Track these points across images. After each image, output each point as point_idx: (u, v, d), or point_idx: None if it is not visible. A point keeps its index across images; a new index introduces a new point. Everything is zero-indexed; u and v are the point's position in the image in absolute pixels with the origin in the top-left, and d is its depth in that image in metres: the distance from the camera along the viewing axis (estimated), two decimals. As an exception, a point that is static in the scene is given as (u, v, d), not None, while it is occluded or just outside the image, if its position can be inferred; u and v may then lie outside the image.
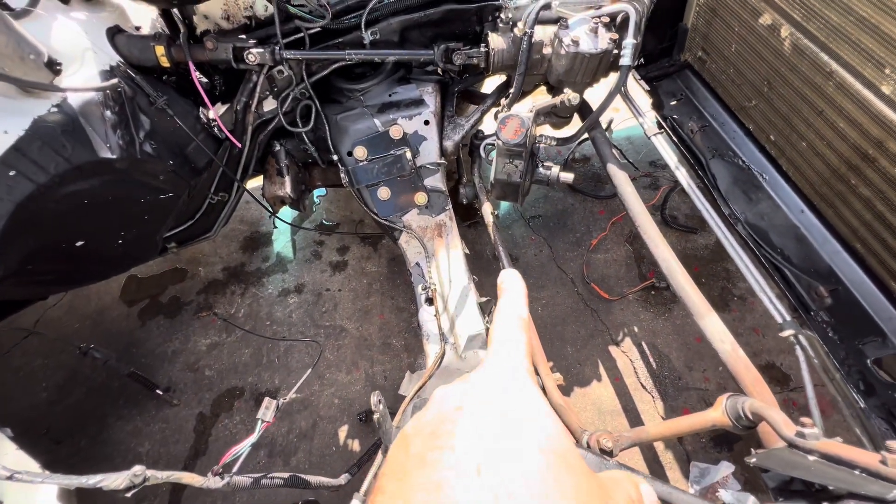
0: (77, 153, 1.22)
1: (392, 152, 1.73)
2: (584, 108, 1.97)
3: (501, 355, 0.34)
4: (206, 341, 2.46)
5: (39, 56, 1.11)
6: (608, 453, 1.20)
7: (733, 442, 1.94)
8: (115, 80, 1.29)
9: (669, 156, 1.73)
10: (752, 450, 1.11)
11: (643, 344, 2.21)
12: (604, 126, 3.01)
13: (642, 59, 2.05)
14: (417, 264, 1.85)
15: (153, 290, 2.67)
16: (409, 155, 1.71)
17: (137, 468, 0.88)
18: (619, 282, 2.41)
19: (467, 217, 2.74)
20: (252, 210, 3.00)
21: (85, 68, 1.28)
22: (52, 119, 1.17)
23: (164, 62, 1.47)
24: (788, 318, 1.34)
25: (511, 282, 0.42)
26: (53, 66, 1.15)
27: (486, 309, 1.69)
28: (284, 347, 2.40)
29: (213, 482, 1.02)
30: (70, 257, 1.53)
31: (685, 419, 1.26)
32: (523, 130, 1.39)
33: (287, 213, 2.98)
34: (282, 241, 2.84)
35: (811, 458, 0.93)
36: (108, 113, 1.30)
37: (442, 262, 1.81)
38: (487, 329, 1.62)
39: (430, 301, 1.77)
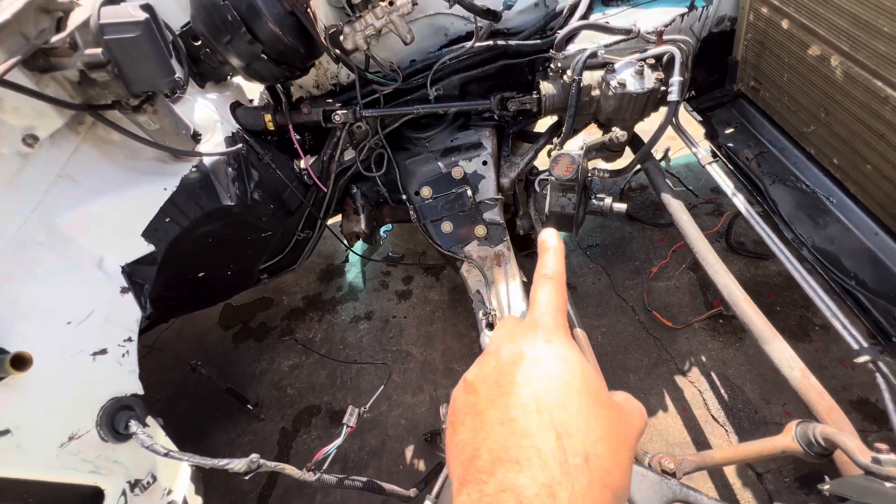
0: (208, 202, 1.54)
1: (454, 190, 1.92)
2: (635, 142, 2.06)
3: (541, 312, 0.42)
4: (288, 363, 2.74)
5: (188, 130, 1.45)
6: (671, 474, 1.22)
7: (822, 481, 1.79)
8: (240, 145, 1.61)
9: (726, 183, 1.76)
10: (826, 478, 1.08)
11: (713, 374, 2.14)
12: (661, 154, 3.03)
13: (693, 92, 2.12)
14: (478, 292, 1.99)
15: (245, 317, 3.05)
16: (469, 192, 1.89)
17: (254, 456, 1.08)
18: (684, 310, 2.37)
19: (524, 247, 2.86)
20: (328, 244, 3.34)
21: (216, 136, 1.63)
22: (193, 177, 1.50)
23: (271, 126, 1.80)
24: (865, 344, 1.29)
25: (550, 240, 0.48)
26: (196, 137, 1.49)
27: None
28: (356, 370, 2.61)
29: (307, 476, 1.19)
30: (192, 285, 1.86)
31: (752, 444, 1.25)
32: (574, 167, 1.52)
33: (358, 246, 3.29)
34: (353, 272, 3.13)
35: (889, 484, 0.91)
36: (229, 170, 1.63)
37: (501, 289, 1.94)
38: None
39: (490, 326, 1.89)
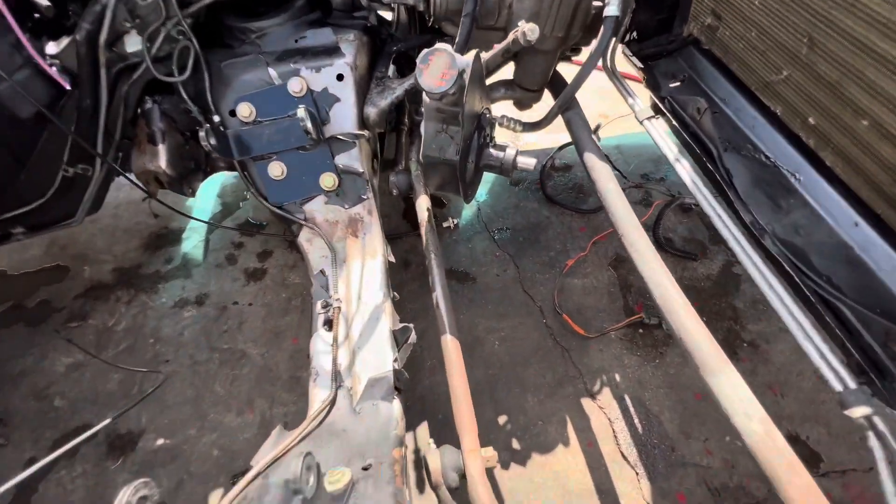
0: None
1: (289, 114, 1.25)
2: (556, 83, 1.53)
3: None
4: (66, 360, 1.90)
5: None
6: None
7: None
8: None
9: (667, 146, 1.28)
10: None
11: (626, 398, 1.69)
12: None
13: (635, 34, 1.64)
14: (322, 272, 1.34)
15: (22, 291, 2.12)
16: (311, 120, 1.23)
17: None
18: (599, 315, 1.92)
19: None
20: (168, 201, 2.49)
21: None
22: None
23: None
24: (852, 382, 0.84)
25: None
26: None
27: (402, 339, 1.17)
28: (166, 375, 1.84)
29: None
30: None
31: None
32: (453, 73, 0.93)
33: (207, 205, 2.48)
34: (193, 240, 2.33)
35: None
36: None
37: (354, 270, 1.31)
38: (396, 370, 1.11)
39: (328, 324, 1.26)
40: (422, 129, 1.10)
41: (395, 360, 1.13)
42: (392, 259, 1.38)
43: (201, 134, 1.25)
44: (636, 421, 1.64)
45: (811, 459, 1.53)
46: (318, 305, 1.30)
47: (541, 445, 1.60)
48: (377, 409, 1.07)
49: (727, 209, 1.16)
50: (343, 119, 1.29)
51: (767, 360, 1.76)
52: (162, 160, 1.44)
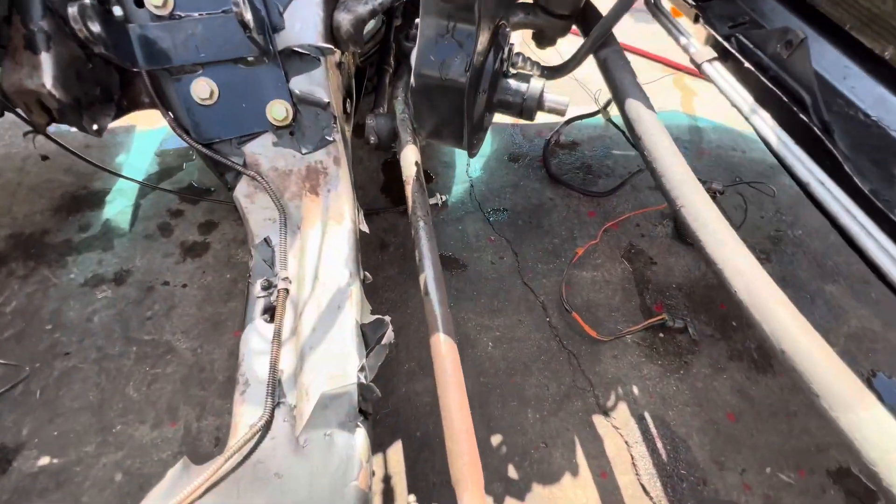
0: None
1: (224, 9, 0.86)
2: (588, 15, 1.20)
3: None
4: (-72, 348, 1.44)
5: None
6: None
7: None
8: None
9: (737, 94, 0.96)
10: None
11: (646, 417, 1.39)
12: (603, 104, 2.30)
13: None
14: (266, 241, 0.97)
15: None
16: (255, 17, 0.85)
17: None
18: (612, 315, 1.61)
19: (398, 196, 1.90)
20: (94, 157, 2.03)
21: None
22: None
23: None
24: None
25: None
26: None
27: (374, 337, 0.82)
28: (60, 371, 1.42)
29: None
30: None
31: None
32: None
33: (142, 163, 2.04)
34: (119, 204, 1.89)
35: None
36: None
37: (310, 239, 0.94)
38: (362, 385, 0.75)
39: (270, 312, 0.89)
40: (417, 32, 0.74)
41: (362, 370, 0.77)
42: (365, 228, 1.02)
43: (71, 11, 0.85)
44: (659, 446, 1.34)
45: (866, 498, 1.27)
46: (258, 286, 0.93)
47: (543, 475, 1.28)
48: (331, 444, 0.71)
49: (830, 172, 0.85)
50: (303, 25, 0.91)
51: (807, 374, 1.49)
52: (45, 76, 1.02)
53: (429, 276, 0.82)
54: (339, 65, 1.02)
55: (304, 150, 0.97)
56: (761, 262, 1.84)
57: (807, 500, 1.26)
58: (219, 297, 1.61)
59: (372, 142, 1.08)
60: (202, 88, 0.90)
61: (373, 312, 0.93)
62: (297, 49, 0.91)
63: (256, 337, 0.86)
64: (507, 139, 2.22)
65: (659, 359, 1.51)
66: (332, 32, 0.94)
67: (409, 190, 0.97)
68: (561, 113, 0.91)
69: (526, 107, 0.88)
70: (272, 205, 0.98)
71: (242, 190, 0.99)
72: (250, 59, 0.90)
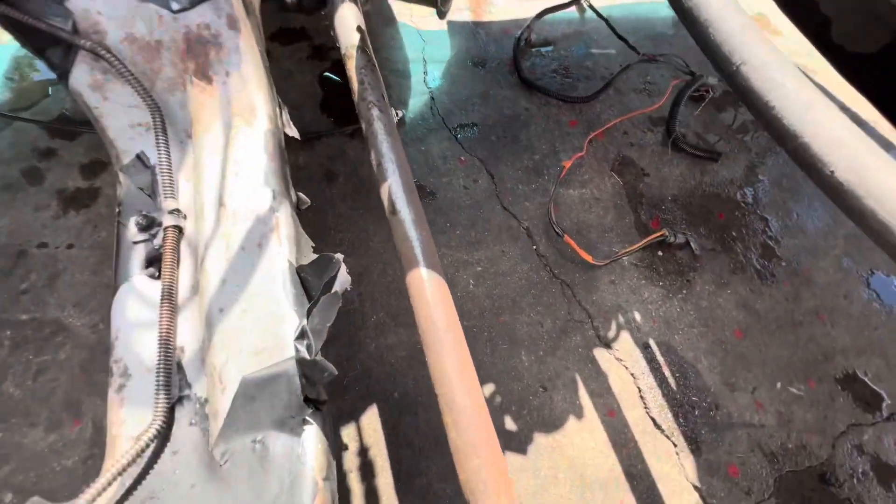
0: None
1: None
2: None
3: None
4: None
5: None
6: None
7: (816, 525, 1.06)
8: None
9: None
10: None
11: (651, 344, 1.24)
12: None
13: None
14: (140, 160, 0.62)
15: None
16: None
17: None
18: (606, 236, 1.41)
19: (350, 119, 1.53)
20: None
21: None
22: None
23: None
24: None
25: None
26: None
27: (319, 281, 0.53)
28: None
29: None
30: None
31: None
32: None
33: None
34: (-40, 146, 1.40)
35: None
36: None
37: (209, 151, 0.60)
38: (305, 359, 0.47)
39: (154, 265, 0.57)
40: None
41: (302, 335, 0.50)
42: (292, 132, 0.70)
43: None
44: (667, 374, 1.20)
45: (872, 401, 1.21)
46: (132, 226, 0.61)
47: (545, 422, 1.11)
48: (265, 456, 0.45)
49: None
50: None
51: (810, 281, 1.39)
52: None
53: (394, 186, 0.54)
54: None
55: (175, 4, 0.60)
56: (756, 161, 1.69)
57: (818, 410, 1.19)
58: (119, 256, 1.24)
59: (289, 0, 0.73)
60: None
61: (317, 251, 0.65)
62: None
63: (136, 301, 0.56)
64: (469, 40, 1.85)
65: (660, 280, 1.34)
66: None
67: (351, 67, 0.65)
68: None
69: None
70: (140, 103, 0.63)
71: (83, 78, 0.63)
72: None
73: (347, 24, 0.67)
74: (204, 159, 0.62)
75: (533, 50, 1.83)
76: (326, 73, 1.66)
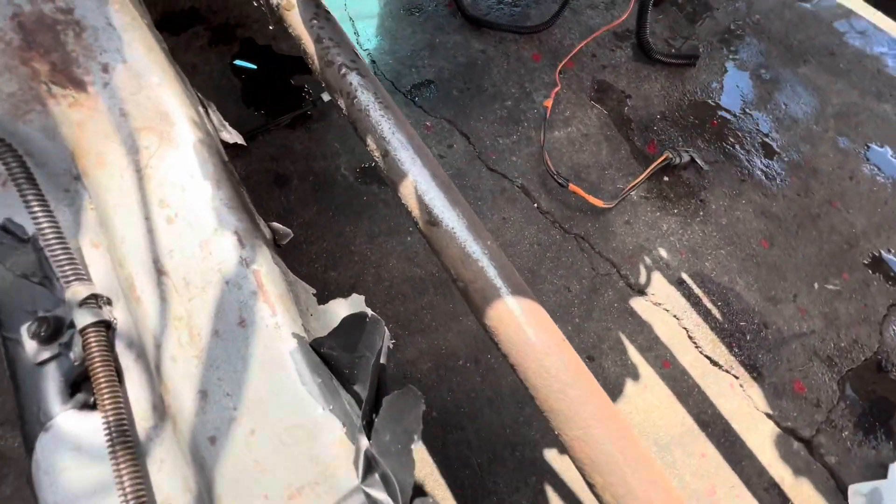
0: None
1: None
2: None
3: None
4: None
5: None
6: None
7: (889, 413, 1.04)
8: None
9: None
10: None
11: (685, 279, 1.14)
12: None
13: None
14: (4, 230, 0.38)
15: None
16: None
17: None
18: (607, 173, 1.27)
19: (284, 107, 1.27)
20: None
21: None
22: None
23: None
24: None
25: None
26: None
27: (348, 357, 0.33)
28: None
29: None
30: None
31: None
32: None
33: None
34: None
35: None
36: None
37: (119, 192, 0.36)
38: (386, 473, 0.28)
39: (79, 390, 0.39)
40: None
41: (369, 465, 0.32)
42: (235, 136, 0.48)
43: None
44: (709, 306, 1.11)
45: (906, 276, 1.19)
46: (25, 339, 0.38)
47: (601, 393, 1.00)
48: None
49: None
50: None
51: (815, 170, 1.33)
52: None
53: (421, 182, 0.36)
54: None
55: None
56: (731, 58, 1.56)
57: (857, 300, 1.15)
58: None
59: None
60: None
61: (317, 295, 0.45)
62: None
63: (71, 457, 0.35)
64: (394, -15, 1.58)
65: (673, 207, 1.23)
66: None
67: (295, 22, 0.43)
68: None
69: None
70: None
71: None
72: None
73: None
74: (110, 209, 0.40)
75: (470, -18, 1.58)
76: (237, 61, 1.36)
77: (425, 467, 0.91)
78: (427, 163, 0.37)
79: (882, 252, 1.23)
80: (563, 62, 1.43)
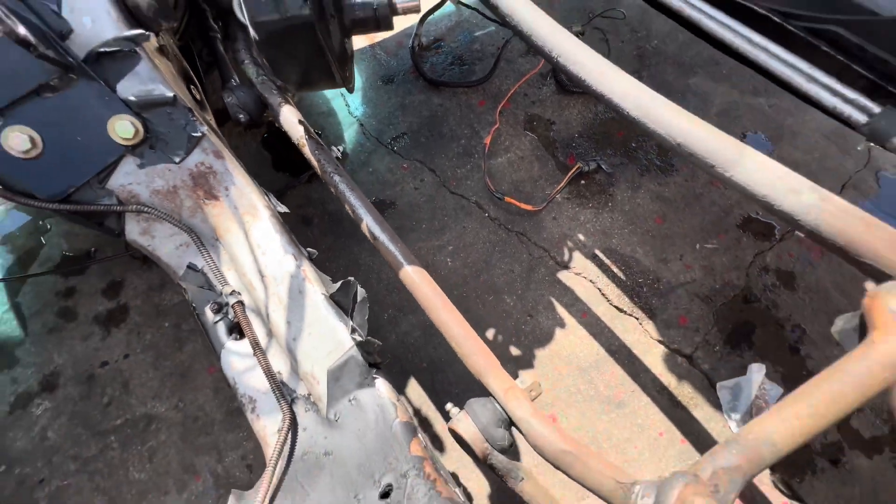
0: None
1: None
2: None
3: None
4: None
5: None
6: None
7: (750, 332, 1.43)
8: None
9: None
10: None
11: (598, 253, 1.57)
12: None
13: None
14: (191, 267, 0.89)
15: None
16: (27, 25, 0.69)
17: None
18: (538, 184, 1.72)
19: (302, 168, 1.79)
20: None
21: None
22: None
23: None
24: (876, 107, 0.70)
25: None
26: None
27: (348, 301, 0.83)
28: (47, 500, 1.30)
29: None
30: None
31: (821, 383, 0.58)
32: None
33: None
34: (-7, 314, 1.60)
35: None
36: None
37: (237, 245, 0.88)
38: (361, 342, 0.78)
39: (235, 330, 0.86)
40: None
41: (353, 331, 0.79)
42: (283, 208, 0.97)
43: None
44: (616, 271, 1.54)
45: (767, 231, 1.58)
46: (208, 313, 0.88)
47: (539, 339, 1.44)
48: (359, 405, 0.75)
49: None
50: (94, 17, 0.75)
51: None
52: None
53: (369, 221, 0.82)
54: (162, 49, 0.88)
55: (176, 159, 0.86)
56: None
57: (730, 253, 1.55)
58: (170, 348, 1.49)
59: (242, 120, 0.99)
60: (17, 141, 0.74)
61: (333, 281, 0.93)
62: (103, 50, 0.76)
63: (236, 358, 0.84)
64: (373, 63, 2.09)
65: (588, 202, 1.67)
66: (132, 14, 0.80)
67: (307, 152, 0.92)
68: (416, 10, 0.87)
69: (381, 16, 0.83)
70: (177, 230, 0.89)
71: (134, 230, 0.89)
72: (54, 82, 0.75)
73: (291, 121, 0.93)
74: (236, 251, 0.90)
75: (427, 52, 2.09)
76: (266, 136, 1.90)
77: (420, 399, 1.37)
78: (370, 212, 0.84)
79: (751, 214, 1.62)
80: (502, 104, 1.90)
